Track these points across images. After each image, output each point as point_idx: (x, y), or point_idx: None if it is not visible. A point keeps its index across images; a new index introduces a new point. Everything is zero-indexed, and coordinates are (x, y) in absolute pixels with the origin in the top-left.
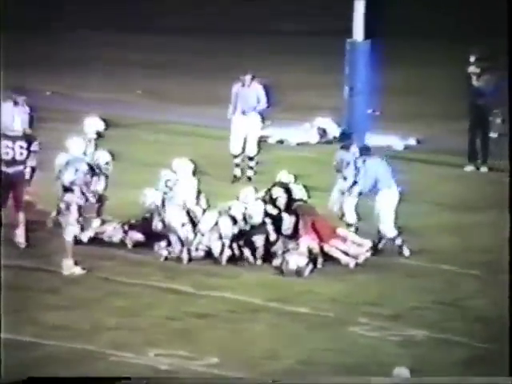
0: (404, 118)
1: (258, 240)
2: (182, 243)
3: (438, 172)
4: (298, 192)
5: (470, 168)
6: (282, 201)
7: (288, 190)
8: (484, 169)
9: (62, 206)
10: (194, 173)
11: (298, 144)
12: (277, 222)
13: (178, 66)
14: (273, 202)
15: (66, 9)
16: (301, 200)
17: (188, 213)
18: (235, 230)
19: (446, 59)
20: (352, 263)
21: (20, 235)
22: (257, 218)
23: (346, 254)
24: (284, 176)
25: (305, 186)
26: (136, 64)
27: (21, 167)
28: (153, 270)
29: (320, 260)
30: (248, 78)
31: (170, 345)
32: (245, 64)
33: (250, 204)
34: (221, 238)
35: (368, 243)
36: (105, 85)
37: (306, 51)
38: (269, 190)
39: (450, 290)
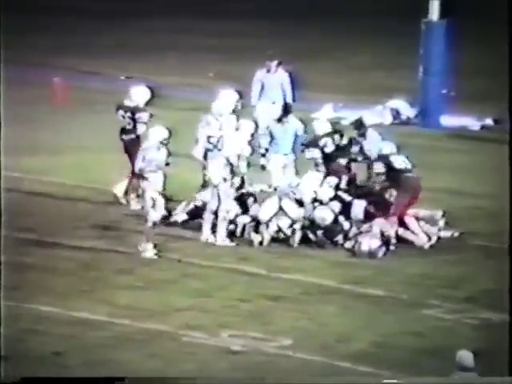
0: (480, 98)
1: (328, 220)
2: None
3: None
4: (402, 162)
5: None
6: (382, 177)
7: (389, 164)
8: None
9: (139, 192)
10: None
11: (371, 125)
12: (347, 207)
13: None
14: (376, 176)
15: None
16: (405, 170)
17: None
18: (302, 213)
19: None
20: (426, 245)
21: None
22: (326, 204)
23: (419, 234)
24: (386, 147)
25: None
26: (208, 49)
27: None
28: (225, 251)
29: (393, 242)
30: (274, 64)
31: (243, 326)
32: (319, 46)
33: (318, 189)
34: (291, 221)
35: (439, 213)
36: (178, 69)
37: (381, 32)
38: (368, 166)
39: None
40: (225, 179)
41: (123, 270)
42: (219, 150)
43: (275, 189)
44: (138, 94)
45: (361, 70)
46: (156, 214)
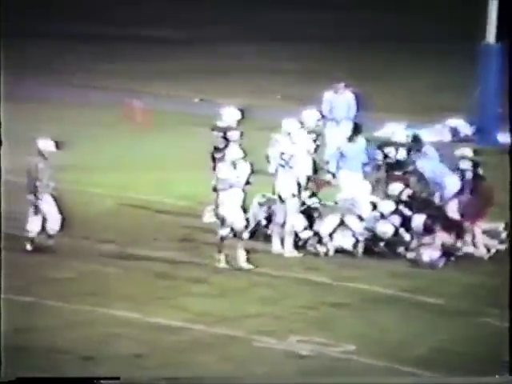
0: None
1: (389, 233)
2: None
3: None
4: (481, 168)
5: None
6: (469, 174)
7: (475, 164)
8: None
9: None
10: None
11: (430, 142)
12: (407, 221)
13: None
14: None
15: (206, 25)
16: (483, 178)
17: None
18: (363, 226)
19: None
20: (485, 256)
21: None
22: (387, 218)
23: (479, 246)
24: (466, 150)
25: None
26: (275, 71)
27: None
28: (293, 262)
29: (454, 253)
30: (341, 85)
31: (309, 332)
32: (382, 69)
33: (379, 202)
34: (353, 234)
35: (501, 226)
36: (246, 91)
37: (441, 55)
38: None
39: None
40: (293, 195)
41: (198, 278)
42: (290, 167)
43: (336, 203)
44: (229, 115)
45: (422, 91)
46: (223, 230)
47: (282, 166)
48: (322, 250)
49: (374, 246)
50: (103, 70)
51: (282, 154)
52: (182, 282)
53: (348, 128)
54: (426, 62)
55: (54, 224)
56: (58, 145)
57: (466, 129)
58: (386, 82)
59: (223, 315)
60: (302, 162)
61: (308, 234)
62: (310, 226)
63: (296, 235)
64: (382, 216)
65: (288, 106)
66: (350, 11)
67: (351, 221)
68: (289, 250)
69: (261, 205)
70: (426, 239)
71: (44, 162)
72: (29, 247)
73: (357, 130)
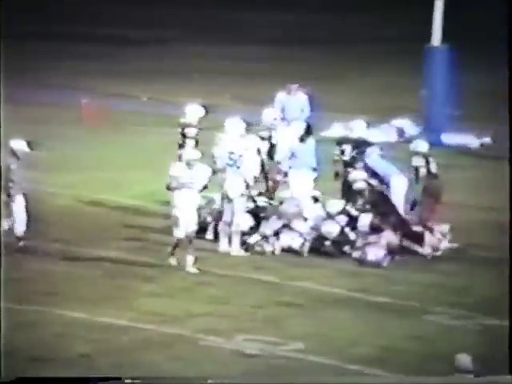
0: (479, 118)
1: (334, 233)
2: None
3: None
4: (433, 165)
5: None
6: (423, 170)
7: (427, 160)
8: None
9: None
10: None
11: (377, 143)
12: (353, 220)
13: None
14: (415, 171)
15: (157, 25)
16: (435, 175)
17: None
18: (310, 225)
19: None
20: (430, 255)
21: None
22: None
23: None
24: (422, 146)
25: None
26: (224, 72)
27: None
28: (240, 261)
29: (398, 252)
30: (294, 87)
31: (257, 331)
32: (330, 70)
33: (327, 202)
34: (299, 234)
35: (447, 227)
36: (196, 91)
37: (386, 56)
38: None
39: None
40: (241, 194)
41: (147, 278)
42: (238, 167)
43: (281, 203)
44: (192, 112)
45: (369, 91)
46: (177, 232)
47: (230, 166)
48: (268, 249)
49: (320, 246)
50: (57, 68)
51: (232, 153)
52: (131, 282)
53: (299, 128)
54: (375, 63)
55: (21, 225)
56: (30, 145)
57: (412, 129)
58: (335, 82)
59: (171, 314)
60: (250, 161)
61: (256, 238)
62: (258, 225)
63: (245, 235)
64: (329, 216)
65: (237, 106)
66: (301, 13)
67: (297, 221)
68: (236, 250)
69: (202, 207)
70: (372, 238)
71: (17, 163)
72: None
73: (308, 130)
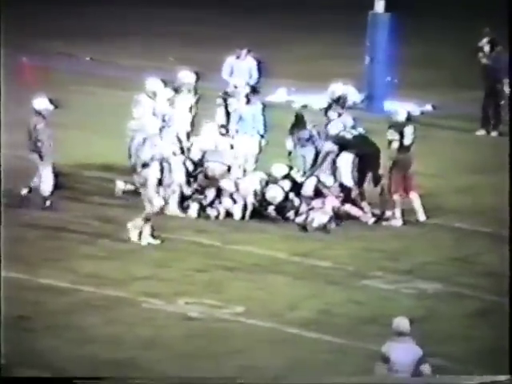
0: (420, 86)
1: (278, 198)
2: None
3: (451, 136)
4: (409, 137)
5: (481, 132)
6: (394, 145)
7: (401, 134)
8: (494, 133)
9: (140, 180)
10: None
11: (320, 109)
12: (297, 186)
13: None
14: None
15: None
16: (408, 147)
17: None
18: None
19: (460, 33)
20: (370, 220)
21: None
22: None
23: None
24: (401, 115)
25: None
26: (170, 35)
27: None
28: (183, 224)
29: (341, 218)
30: (244, 51)
31: (198, 294)
32: (270, 36)
33: (272, 167)
34: (242, 198)
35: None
36: (138, 53)
37: (330, 23)
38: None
39: (462, 246)
40: (174, 153)
41: (87, 240)
42: (169, 126)
43: (228, 168)
44: (184, 78)
45: (312, 58)
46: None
47: (163, 127)
48: (212, 213)
49: (263, 210)
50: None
51: (164, 115)
52: (71, 244)
53: (246, 92)
54: (318, 30)
55: (48, 185)
56: (53, 102)
57: (354, 96)
58: (281, 48)
59: (112, 277)
60: (181, 121)
61: (195, 206)
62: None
63: (185, 198)
64: (274, 181)
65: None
66: None
67: (242, 184)
68: (173, 210)
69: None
70: (316, 203)
71: (43, 122)
72: None
73: (255, 93)
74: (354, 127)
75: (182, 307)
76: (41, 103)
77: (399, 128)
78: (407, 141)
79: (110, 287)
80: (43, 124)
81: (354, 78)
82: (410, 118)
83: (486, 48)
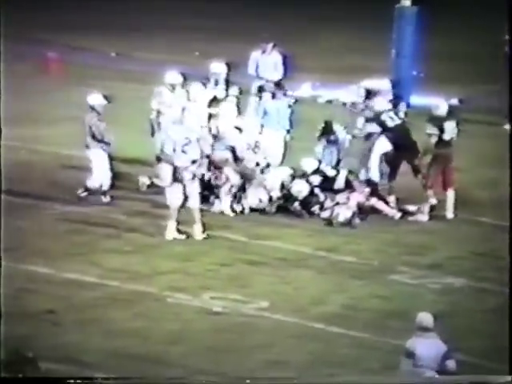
0: (446, 80)
1: (304, 192)
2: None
3: (478, 130)
4: (451, 131)
5: (508, 126)
6: (433, 139)
7: (441, 128)
8: None
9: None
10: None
11: (344, 103)
12: (328, 181)
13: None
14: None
15: None
16: (449, 142)
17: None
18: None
19: (485, 27)
20: (396, 215)
21: None
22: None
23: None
24: (442, 109)
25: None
26: (195, 29)
27: None
28: (207, 219)
29: (366, 213)
30: (269, 46)
31: (223, 289)
32: (296, 29)
33: (302, 161)
34: (268, 192)
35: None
36: (163, 47)
37: (357, 16)
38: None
39: (487, 240)
40: (183, 151)
41: (112, 234)
42: (181, 122)
43: (257, 164)
44: (217, 68)
45: (338, 52)
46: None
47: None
48: (237, 208)
49: (289, 205)
50: (22, 20)
51: (183, 109)
52: (96, 238)
53: (272, 87)
54: (343, 23)
55: (106, 179)
56: (107, 98)
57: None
58: (306, 42)
59: (137, 271)
60: (196, 115)
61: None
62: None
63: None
64: (303, 175)
65: (206, 64)
66: None
67: (266, 179)
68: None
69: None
70: (341, 198)
71: (97, 117)
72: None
73: (280, 88)
74: (396, 113)
75: (207, 302)
76: (95, 99)
77: (438, 122)
78: (447, 136)
79: (136, 281)
80: (97, 119)
81: (380, 72)
82: (451, 113)
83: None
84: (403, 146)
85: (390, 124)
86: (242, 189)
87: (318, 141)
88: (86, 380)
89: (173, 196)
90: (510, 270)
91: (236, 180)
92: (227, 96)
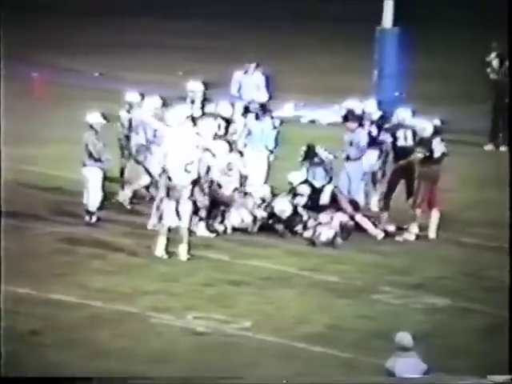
0: (429, 100)
1: (287, 212)
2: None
3: (459, 150)
4: (439, 149)
5: (489, 147)
6: (419, 156)
7: (430, 148)
8: (503, 148)
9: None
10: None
11: (328, 124)
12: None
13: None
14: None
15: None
16: (438, 160)
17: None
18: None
19: (468, 47)
20: (380, 235)
21: None
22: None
23: (376, 225)
24: (428, 130)
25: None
26: (179, 48)
27: None
28: (190, 239)
29: (348, 232)
30: (252, 66)
31: (206, 309)
32: (279, 50)
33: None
34: (250, 213)
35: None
36: (147, 67)
37: (339, 38)
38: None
39: (471, 261)
40: (164, 169)
41: (96, 255)
42: (158, 144)
43: (235, 189)
44: (193, 87)
45: (320, 72)
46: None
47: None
48: (220, 228)
49: (272, 225)
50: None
51: (155, 130)
52: (80, 259)
53: (256, 108)
54: (326, 44)
55: (96, 199)
56: (105, 117)
57: (361, 110)
58: (288, 62)
59: (120, 292)
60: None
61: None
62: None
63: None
64: (291, 190)
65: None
66: None
67: (248, 199)
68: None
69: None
70: (324, 218)
71: (95, 136)
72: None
73: (264, 109)
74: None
75: (190, 322)
76: (93, 117)
77: (427, 143)
78: (436, 154)
79: (119, 302)
80: (94, 137)
81: (363, 92)
82: (436, 131)
83: (495, 62)
84: (404, 165)
85: (402, 143)
86: (219, 210)
87: (301, 165)
88: (86, 380)
89: (166, 214)
90: (509, 285)
91: (204, 201)
92: (203, 115)
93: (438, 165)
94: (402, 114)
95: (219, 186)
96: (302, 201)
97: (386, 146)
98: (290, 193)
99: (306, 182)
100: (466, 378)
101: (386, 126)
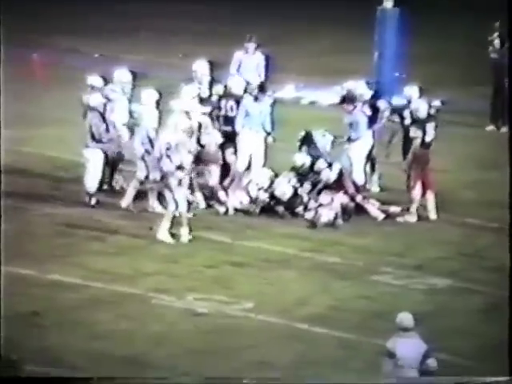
0: (429, 82)
1: (288, 194)
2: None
3: (460, 131)
4: (431, 133)
5: (490, 128)
6: (417, 142)
7: (424, 130)
8: (504, 129)
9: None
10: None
11: (328, 105)
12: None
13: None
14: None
15: None
16: (429, 143)
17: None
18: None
19: (469, 28)
20: (380, 217)
21: None
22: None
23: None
24: (422, 111)
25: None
26: (179, 31)
27: None
28: (192, 221)
29: (349, 214)
30: (252, 46)
31: (207, 290)
32: (279, 30)
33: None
34: (249, 194)
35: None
36: (148, 49)
37: (341, 18)
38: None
39: (471, 241)
40: (147, 151)
41: (97, 236)
42: (137, 125)
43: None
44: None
45: (321, 54)
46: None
47: (136, 125)
48: (221, 209)
49: (273, 207)
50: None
51: (133, 112)
52: (80, 240)
53: (255, 88)
54: (326, 25)
55: (94, 182)
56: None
57: (365, 91)
58: (287, 43)
59: (121, 273)
60: (148, 116)
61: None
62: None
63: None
64: (298, 170)
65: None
66: None
67: (247, 181)
68: (152, 207)
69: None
70: (325, 200)
71: (99, 117)
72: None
73: (262, 89)
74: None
75: (191, 303)
76: (96, 99)
77: (421, 124)
78: (429, 137)
79: (119, 283)
80: (98, 119)
81: (363, 73)
82: (431, 114)
83: (496, 42)
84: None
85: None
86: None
87: (299, 150)
88: (86, 380)
89: (180, 201)
90: (510, 270)
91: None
92: (211, 95)
93: (429, 148)
94: (409, 91)
95: (202, 146)
96: (325, 175)
97: (394, 125)
98: (297, 173)
99: (311, 162)
100: (466, 378)
101: (394, 105)
